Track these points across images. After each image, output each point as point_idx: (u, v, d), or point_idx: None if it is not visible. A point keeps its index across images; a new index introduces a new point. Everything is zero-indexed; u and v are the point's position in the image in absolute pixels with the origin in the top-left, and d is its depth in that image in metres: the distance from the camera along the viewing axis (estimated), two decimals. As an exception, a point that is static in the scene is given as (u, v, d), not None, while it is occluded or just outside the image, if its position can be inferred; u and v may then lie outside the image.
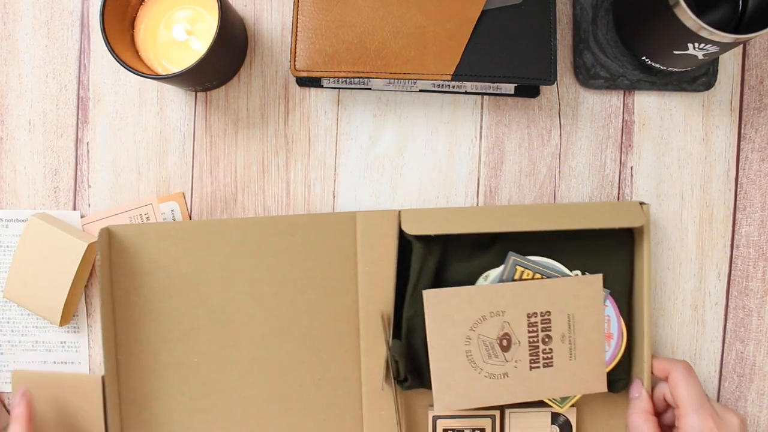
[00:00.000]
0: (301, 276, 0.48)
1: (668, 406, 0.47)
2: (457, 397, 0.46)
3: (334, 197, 0.52)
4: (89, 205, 0.52)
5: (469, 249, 0.48)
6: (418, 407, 0.50)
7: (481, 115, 0.52)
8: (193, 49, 0.47)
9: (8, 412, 0.52)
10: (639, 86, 0.51)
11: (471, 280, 0.48)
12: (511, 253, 0.48)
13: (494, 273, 0.48)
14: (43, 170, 0.52)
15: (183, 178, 0.52)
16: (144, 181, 0.52)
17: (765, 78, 0.52)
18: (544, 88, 0.52)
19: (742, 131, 0.52)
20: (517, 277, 0.48)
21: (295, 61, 0.45)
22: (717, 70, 0.52)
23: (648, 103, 0.52)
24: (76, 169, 0.52)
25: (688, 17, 0.41)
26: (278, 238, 0.48)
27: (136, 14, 0.48)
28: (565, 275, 0.48)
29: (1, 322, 0.52)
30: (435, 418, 0.49)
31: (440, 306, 0.46)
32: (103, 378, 0.50)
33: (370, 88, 0.51)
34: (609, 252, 0.48)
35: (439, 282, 0.48)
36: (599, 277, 0.47)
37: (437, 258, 0.47)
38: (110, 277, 0.47)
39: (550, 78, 0.46)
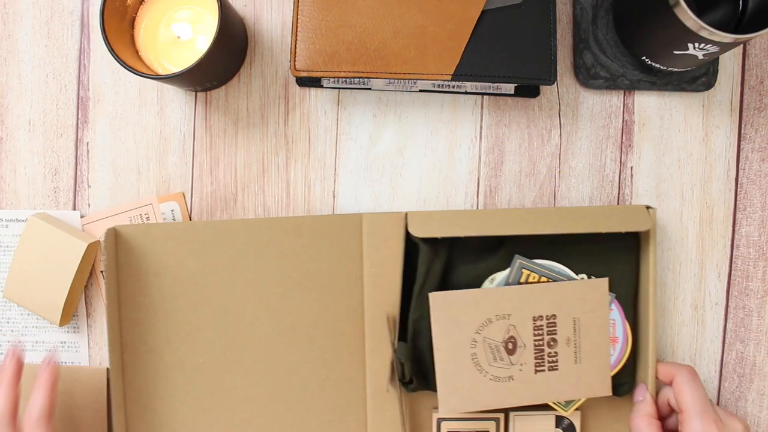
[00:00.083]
0: (307, 277, 0.48)
1: (672, 411, 0.47)
2: (462, 400, 0.46)
3: (334, 197, 0.52)
4: (89, 205, 0.52)
5: (475, 252, 0.48)
6: (423, 409, 0.50)
7: (481, 115, 0.52)
8: (193, 49, 0.47)
9: None
10: (639, 86, 0.51)
11: (477, 283, 0.48)
12: (517, 256, 0.48)
13: (500, 276, 0.48)
14: (43, 170, 0.52)
15: (183, 178, 0.52)
16: (144, 181, 0.52)
17: (765, 78, 0.52)
18: (544, 88, 0.52)
19: (742, 131, 0.52)
20: (523, 280, 0.48)
21: (295, 61, 0.45)
22: (717, 70, 0.52)
23: (648, 103, 0.52)
24: (76, 169, 0.52)
25: (688, 17, 0.41)
26: (284, 239, 0.48)
27: (136, 14, 0.48)
28: (570, 279, 0.48)
29: (1, 322, 0.52)
30: (439, 421, 0.49)
31: (446, 308, 0.46)
32: (108, 371, 0.50)
33: (370, 88, 0.51)
34: (615, 256, 0.48)
35: (445, 284, 0.48)
36: (605, 281, 0.47)
37: (443, 260, 0.47)
38: (116, 277, 0.47)
39: (550, 78, 0.46)
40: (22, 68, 0.52)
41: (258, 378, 0.48)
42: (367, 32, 0.45)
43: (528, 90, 0.51)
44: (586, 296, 0.47)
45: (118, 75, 0.52)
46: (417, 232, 0.47)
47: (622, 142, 0.52)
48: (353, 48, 0.45)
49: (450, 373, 0.46)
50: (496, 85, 0.50)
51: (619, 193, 0.52)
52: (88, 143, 0.52)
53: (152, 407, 0.48)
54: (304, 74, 0.45)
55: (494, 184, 0.52)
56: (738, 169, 0.52)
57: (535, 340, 0.47)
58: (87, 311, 0.52)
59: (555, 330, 0.47)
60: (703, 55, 0.44)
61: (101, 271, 0.52)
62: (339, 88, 0.52)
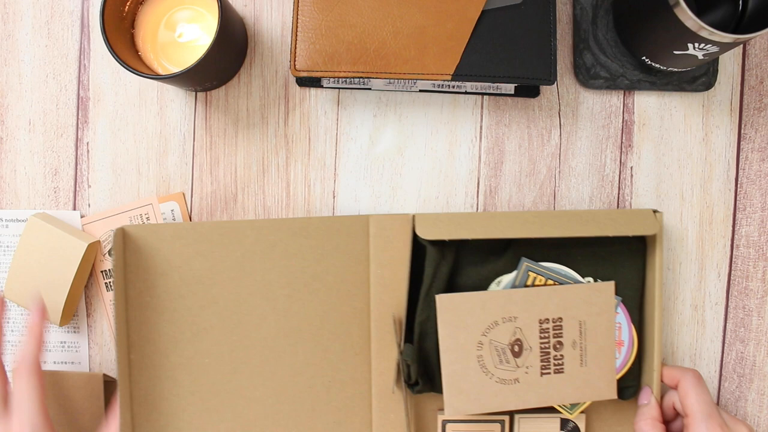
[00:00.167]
0: (314, 278, 0.48)
1: (677, 415, 0.47)
2: (468, 402, 0.46)
3: (334, 197, 0.52)
4: (89, 205, 0.52)
5: (482, 254, 0.48)
6: (428, 411, 0.50)
7: (481, 115, 0.52)
8: (193, 49, 0.47)
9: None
10: (639, 86, 0.51)
11: (483, 285, 0.48)
12: (523, 258, 0.48)
13: (507, 278, 0.48)
14: (43, 170, 0.52)
15: (183, 178, 0.52)
16: (144, 181, 0.52)
17: (765, 78, 0.52)
18: (544, 88, 0.52)
19: (742, 131, 0.52)
20: (529, 283, 0.48)
21: (295, 61, 0.45)
22: (717, 70, 0.52)
23: (648, 103, 0.52)
24: (76, 169, 0.52)
25: (688, 17, 0.41)
26: (291, 240, 0.48)
27: (136, 14, 0.48)
28: (577, 282, 0.48)
29: (1, 322, 0.52)
30: (444, 422, 0.49)
31: (453, 311, 0.46)
32: (104, 375, 0.50)
33: (370, 88, 0.51)
34: (621, 259, 0.49)
35: (451, 286, 0.48)
36: (611, 284, 0.47)
37: (450, 263, 0.47)
38: (124, 277, 0.47)
39: (550, 78, 0.46)
40: (22, 68, 0.52)
41: (264, 378, 0.48)
42: (367, 32, 0.45)
43: (528, 90, 0.51)
44: (592, 299, 0.47)
45: (118, 75, 0.52)
46: (424, 234, 0.47)
47: (622, 142, 0.52)
48: (353, 48, 0.45)
49: (456, 374, 0.46)
50: (496, 85, 0.50)
51: (619, 193, 0.52)
52: (88, 143, 0.52)
53: (158, 407, 0.48)
54: (304, 74, 0.45)
55: (494, 184, 0.52)
56: (738, 169, 0.52)
57: (541, 343, 0.47)
58: (87, 311, 0.52)
59: (561, 333, 0.47)
60: (703, 55, 0.44)
61: (101, 271, 0.52)
62: (339, 88, 0.52)
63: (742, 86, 0.52)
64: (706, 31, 0.41)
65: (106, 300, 0.52)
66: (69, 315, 0.51)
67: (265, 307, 0.48)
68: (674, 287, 0.52)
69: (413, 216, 0.48)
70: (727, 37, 0.41)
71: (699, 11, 0.46)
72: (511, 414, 0.49)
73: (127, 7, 0.46)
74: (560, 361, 0.47)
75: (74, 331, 0.52)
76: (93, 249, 0.50)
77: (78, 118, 0.52)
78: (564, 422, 0.49)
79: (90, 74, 0.52)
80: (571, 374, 0.47)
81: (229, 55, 0.49)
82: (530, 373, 0.47)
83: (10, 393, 0.45)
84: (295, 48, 0.45)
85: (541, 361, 0.47)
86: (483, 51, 0.45)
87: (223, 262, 0.48)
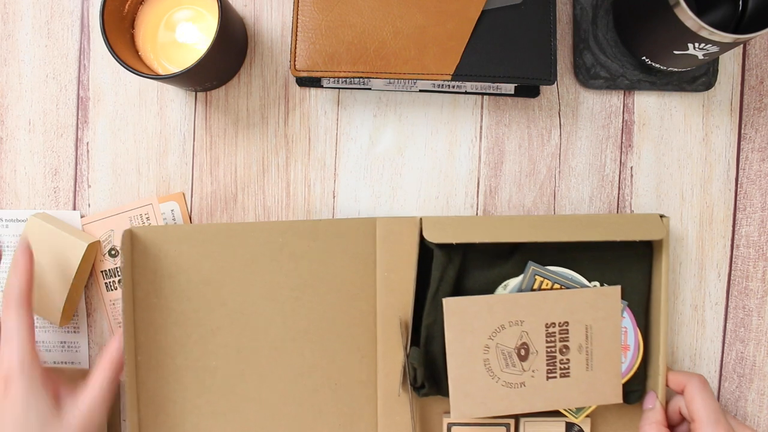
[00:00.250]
0: (321, 280, 0.48)
1: (683, 419, 0.47)
2: (474, 405, 0.46)
3: (334, 197, 0.52)
4: (89, 205, 0.52)
5: (489, 258, 0.48)
6: (434, 414, 0.50)
7: (481, 115, 0.52)
8: (193, 49, 0.47)
9: None
10: (639, 86, 0.51)
11: (490, 289, 0.48)
12: (530, 262, 0.48)
13: (513, 282, 0.48)
14: (43, 170, 0.52)
15: (183, 178, 0.52)
16: (144, 181, 0.52)
17: (765, 78, 0.52)
18: (544, 88, 0.52)
19: (742, 131, 0.52)
20: (536, 286, 0.48)
21: (295, 61, 0.45)
22: (717, 70, 0.52)
23: (648, 103, 0.52)
24: (76, 169, 0.52)
25: (688, 17, 0.41)
26: (298, 242, 0.48)
27: (136, 14, 0.48)
28: (583, 286, 0.48)
29: (1, 322, 0.52)
30: (450, 425, 0.49)
31: (460, 314, 0.46)
32: None
33: (370, 88, 0.51)
34: (628, 264, 0.49)
35: (458, 290, 0.48)
36: (617, 288, 0.47)
37: (457, 266, 0.47)
38: (131, 279, 0.47)
39: (550, 78, 0.46)
40: (22, 68, 0.52)
41: (270, 381, 0.48)
42: (367, 32, 0.45)
43: (528, 90, 0.51)
44: (598, 304, 0.47)
45: (118, 75, 0.52)
46: (432, 237, 0.47)
47: (622, 142, 0.52)
48: (353, 48, 0.45)
49: (462, 378, 0.46)
50: (496, 85, 0.50)
51: (619, 193, 0.52)
52: (88, 143, 0.52)
53: (165, 409, 0.48)
54: (304, 74, 0.45)
55: (494, 184, 0.52)
56: (738, 169, 0.52)
57: (548, 347, 0.47)
58: (87, 311, 0.52)
59: (567, 337, 0.47)
60: (703, 55, 0.44)
61: (101, 271, 0.52)
62: (339, 88, 0.52)
63: (742, 86, 0.52)
64: (706, 31, 0.41)
65: (106, 300, 0.52)
66: (69, 315, 0.51)
67: (271, 310, 0.48)
68: (674, 287, 0.52)
69: (420, 219, 0.48)
70: (727, 37, 0.41)
71: (699, 11, 0.46)
72: (517, 417, 0.49)
73: (127, 7, 0.46)
74: (566, 365, 0.47)
75: (74, 331, 0.52)
76: (93, 249, 0.50)
77: (78, 118, 0.52)
78: (569, 426, 0.49)
79: (90, 74, 0.52)
80: (577, 378, 0.47)
81: (229, 55, 0.49)
82: (536, 376, 0.47)
83: None
84: (295, 48, 0.45)
85: (548, 365, 0.47)
86: (483, 51, 0.45)
87: (231, 264, 0.48)
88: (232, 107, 0.52)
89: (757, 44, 0.52)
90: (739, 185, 0.52)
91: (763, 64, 0.52)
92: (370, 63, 0.45)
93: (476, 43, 0.45)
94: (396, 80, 0.49)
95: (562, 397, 0.47)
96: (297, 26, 0.45)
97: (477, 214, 0.52)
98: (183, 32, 0.47)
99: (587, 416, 0.49)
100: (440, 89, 0.51)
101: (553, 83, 0.46)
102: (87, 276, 0.52)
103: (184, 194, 0.52)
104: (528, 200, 0.52)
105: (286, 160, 0.52)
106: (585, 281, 0.48)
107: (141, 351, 0.47)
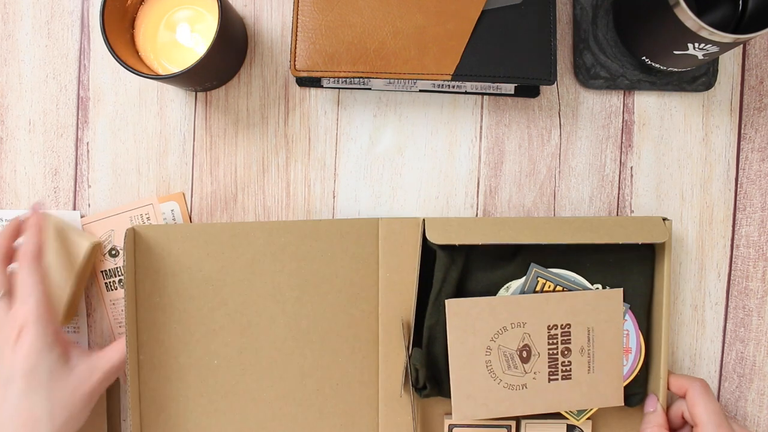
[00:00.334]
0: (323, 281, 0.48)
1: (684, 423, 0.47)
2: (475, 407, 0.47)
3: (334, 197, 0.52)
4: (89, 205, 0.52)
5: (491, 259, 0.48)
6: (435, 415, 0.50)
7: (481, 115, 0.52)
8: (193, 49, 0.47)
9: None
10: (639, 86, 0.51)
11: (493, 291, 0.48)
12: (533, 264, 0.48)
13: (516, 284, 0.48)
14: (43, 170, 0.52)
15: (183, 178, 0.52)
16: (144, 181, 0.52)
17: (765, 78, 0.52)
18: (544, 88, 0.52)
19: (742, 131, 0.52)
20: (538, 288, 0.48)
21: (295, 61, 0.45)
22: (717, 70, 0.52)
23: (648, 103, 0.52)
24: (76, 169, 0.52)
25: (688, 17, 0.41)
26: (301, 242, 0.48)
27: (136, 14, 0.48)
28: (586, 288, 0.48)
29: (1, 322, 0.52)
30: (451, 426, 0.49)
31: (462, 315, 0.46)
32: None
33: (370, 88, 0.51)
34: (630, 266, 0.49)
35: (460, 291, 0.48)
36: (620, 291, 0.47)
37: (460, 267, 0.47)
38: (134, 277, 0.47)
39: (550, 78, 0.46)
40: (22, 68, 0.52)
41: (272, 380, 0.48)
42: (367, 32, 0.45)
43: (528, 90, 0.51)
44: (600, 306, 0.47)
45: (118, 75, 0.52)
46: (435, 238, 0.47)
47: (622, 142, 0.52)
48: (353, 48, 0.45)
49: (464, 379, 0.46)
50: (496, 85, 0.50)
51: (619, 193, 0.52)
52: (88, 143, 0.52)
53: (167, 408, 0.48)
54: (304, 74, 0.45)
55: (494, 184, 0.52)
56: (738, 169, 0.52)
57: (549, 349, 0.47)
58: (87, 311, 0.52)
59: (569, 339, 0.47)
60: (703, 55, 0.44)
61: (101, 271, 0.52)
62: (339, 88, 0.52)
63: (742, 86, 0.52)
64: (706, 31, 0.41)
65: (107, 300, 0.52)
66: (70, 315, 0.51)
67: (274, 309, 0.48)
68: (674, 287, 0.52)
69: (423, 220, 0.48)
70: (727, 37, 0.41)
71: (699, 11, 0.46)
72: (518, 419, 0.49)
73: (127, 8, 0.46)
74: (568, 368, 0.47)
75: (74, 331, 0.52)
76: (94, 249, 0.50)
77: (78, 118, 0.52)
78: (570, 428, 0.49)
79: (90, 74, 0.52)
80: (579, 380, 0.47)
81: (229, 55, 0.49)
82: (538, 378, 0.47)
83: (14, 285, 0.45)
84: (295, 48, 0.45)
85: (549, 367, 0.47)
86: (483, 51, 0.45)
87: (233, 263, 0.48)
88: (232, 107, 0.52)
89: (757, 44, 0.52)
90: (739, 185, 0.52)
91: (763, 64, 0.52)
92: (370, 63, 0.45)
93: (476, 43, 0.45)
94: (396, 80, 0.49)
95: (563, 399, 0.47)
96: (297, 26, 0.45)
97: (477, 214, 0.52)
98: (183, 32, 0.47)
99: (588, 418, 0.49)
100: (440, 89, 0.51)
101: (553, 83, 0.46)
102: (88, 276, 0.52)
103: (184, 194, 0.52)
104: (528, 200, 0.52)
105: (286, 160, 0.52)
106: (587, 284, 0.48)
107: (143, 350, 0.47)
